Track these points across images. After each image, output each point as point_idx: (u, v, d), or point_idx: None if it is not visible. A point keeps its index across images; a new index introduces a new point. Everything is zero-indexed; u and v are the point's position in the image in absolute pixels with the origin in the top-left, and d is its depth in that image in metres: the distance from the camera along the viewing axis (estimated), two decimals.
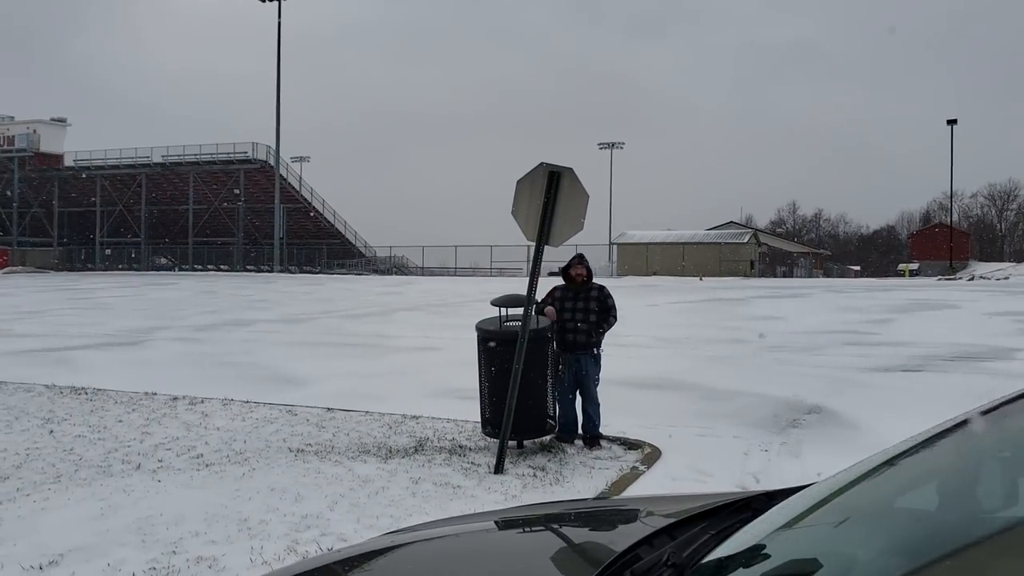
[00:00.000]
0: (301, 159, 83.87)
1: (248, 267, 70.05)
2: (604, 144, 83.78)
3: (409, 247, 78.20)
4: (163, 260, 79.01)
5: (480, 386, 7.34)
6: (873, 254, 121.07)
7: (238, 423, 8.36)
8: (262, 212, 72.85)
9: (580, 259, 7.71)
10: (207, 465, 6.71)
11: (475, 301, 28.53)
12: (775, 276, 67.42)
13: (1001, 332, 17.02)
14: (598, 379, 7.63)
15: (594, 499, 2.58)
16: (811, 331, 17.82)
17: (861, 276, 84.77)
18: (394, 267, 76.48)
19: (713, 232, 67.28)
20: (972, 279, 49.90)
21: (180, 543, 4.86)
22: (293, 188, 73.55)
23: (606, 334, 7.70)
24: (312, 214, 75.56)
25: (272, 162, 68.19)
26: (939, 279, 51.04)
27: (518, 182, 6.52)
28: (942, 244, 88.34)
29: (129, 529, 5.16)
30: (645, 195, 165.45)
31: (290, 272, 65.13)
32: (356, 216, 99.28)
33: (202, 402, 9.41)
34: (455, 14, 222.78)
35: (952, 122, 61.11)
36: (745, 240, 59.16)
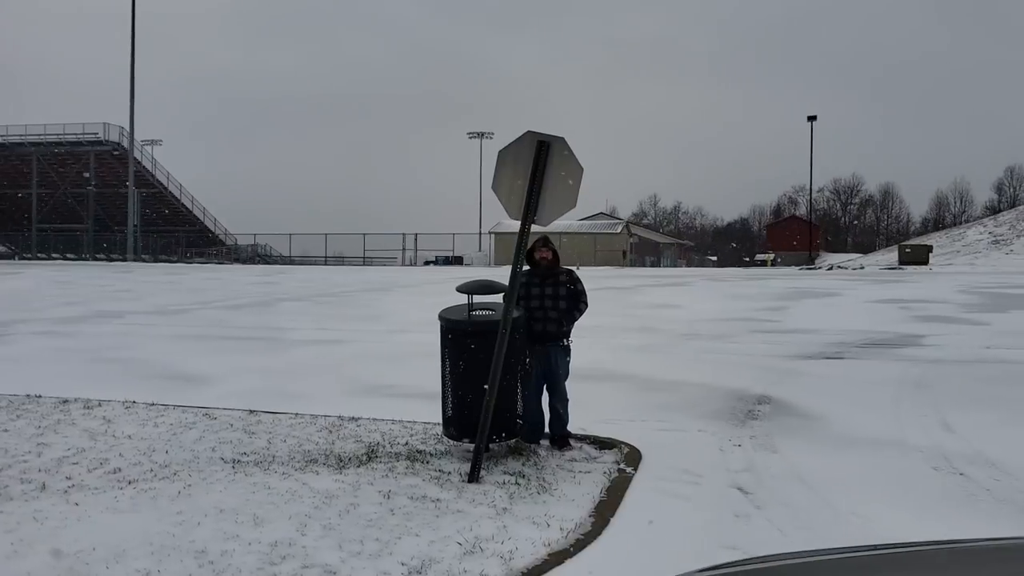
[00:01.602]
0: (152, 142, 79.16)
1: (98, 256, 65.50)
2: (473, 134, 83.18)
3: (275, 235, 75.17)
4: (1, 248, 72.92)
5: (443, 382, 6.56)
6: (729, 245, 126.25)
7: (151, 429, 7.24)
8: (114, 197, 68.39)
9: (545, 241, 7.00)
10: (129, 482, 5.66)
11: (361, 291, 27.40)
12: (644, 266, 68.91)
13: (895, 319, 17.50)
14: (568, 373, 7.00)
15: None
16: (714, 319, 17.81)
17: (719, 266, 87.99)
18: (257, 256, 73.42)
19: (587, 222, 67.97)
20: (831, 268, 52.33)
21: None
22: (148, 172, 69.40)
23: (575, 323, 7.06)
24: (169, 200, 71.57)
25: (126, 144, 63.98)
26: (801, 269, 53.29)
27: (500, 152, 5.79)
28: (795, 236, 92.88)
29: (55, 570, 4.15)
30: None
31: (144, 261, 61.28)
32: (215, 203, 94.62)
33: (99, 405, 8.18)
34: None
35: (812, 118, 63.86)
36: (618, 231, 60.14)
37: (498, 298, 6.79)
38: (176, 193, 72.09)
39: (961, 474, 6.31)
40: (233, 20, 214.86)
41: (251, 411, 8.06)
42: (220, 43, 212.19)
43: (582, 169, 5.69)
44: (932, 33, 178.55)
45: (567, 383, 7.00)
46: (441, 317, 6.51)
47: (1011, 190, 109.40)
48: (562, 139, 5.66)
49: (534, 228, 7.37)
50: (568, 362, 6.99)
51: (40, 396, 8.58)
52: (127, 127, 62.17)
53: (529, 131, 5.69)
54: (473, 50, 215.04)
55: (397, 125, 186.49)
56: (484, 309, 6.53)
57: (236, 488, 5.56)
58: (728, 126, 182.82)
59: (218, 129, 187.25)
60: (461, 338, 6.34)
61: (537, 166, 5.63)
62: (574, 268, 8.78)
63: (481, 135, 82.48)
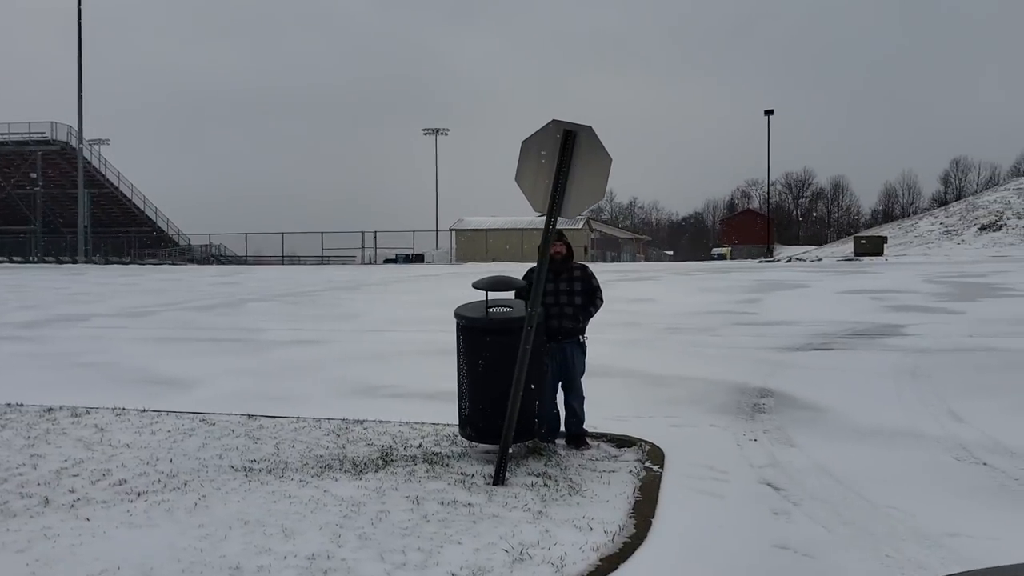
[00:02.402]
0: (101, 141, 77.25)
1: (47, 258, 63.67)
2: (429, 130, 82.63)
3: (230, 235, 73.89)
4: None
5: (459, 382, 6.33)
6: (684, 239, 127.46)
7: (148, 437, 6.90)
8: (63, 198, 66.60)
9: (559, 235, 6.79)
10: (139, 494, 5.35)
11: (327, 291, 26.95)
12: (606, 260, 69.07)
13: (870, 309, 17.64)
14: (584, 370, 6.82)
15: None
16: (692, 312, 17.81)
17: (675, 259, 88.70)
18: (211, 256, 72.10)
19: None
20: (790, 260, 52.98)
21: None
22: (98, 172, 67.70)
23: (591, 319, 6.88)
24: (120, 200, 69.91)
25: (74, 143, 62.28)
26: (760, 261, 53.84)
27: (524, 143, 5.57)
28: (750, 229, 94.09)
29: None
30: (478, 181, 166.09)
31: (95, 263, 59.71)
32: (167, 203, 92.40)
33: (87, 412, 7.80)
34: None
35: (769, 112, 64.54)
36: (580, 226, 60.11)
37: (509, 294, 6.61)
38: (127, 193, 70.45)
39: (985, 464, 6.27)
40: (177, 14, 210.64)
41: (250, 416, 7.74)
42: (164, 38, 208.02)
43: (611, 159, 5.51)
44: (878, 29, 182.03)
45: (582, 380, 6.83)
46: (458, 315, 6.28)
47: (957, 181, 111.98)
48: (589, 128, 5.47)
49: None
50: (584, 359, 6.81)
51: (22, 404, 8.16)
52: (75, 126, 60.58)
53: (554, 120, 5.48)
54: (426, 45, 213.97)
55: (350, 122, 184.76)
56: (500, 306, 6.32)
57: (254, 497, 5.28)
58: (681, 121, 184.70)
59: (166, 128, 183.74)
60: (479, 336, 6.12)
61: (563, 156, 5.43)
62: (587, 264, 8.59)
63: (436, 131, 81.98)
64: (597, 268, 44.94)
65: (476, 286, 6.32)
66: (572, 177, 5.48)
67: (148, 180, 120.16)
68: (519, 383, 5.64)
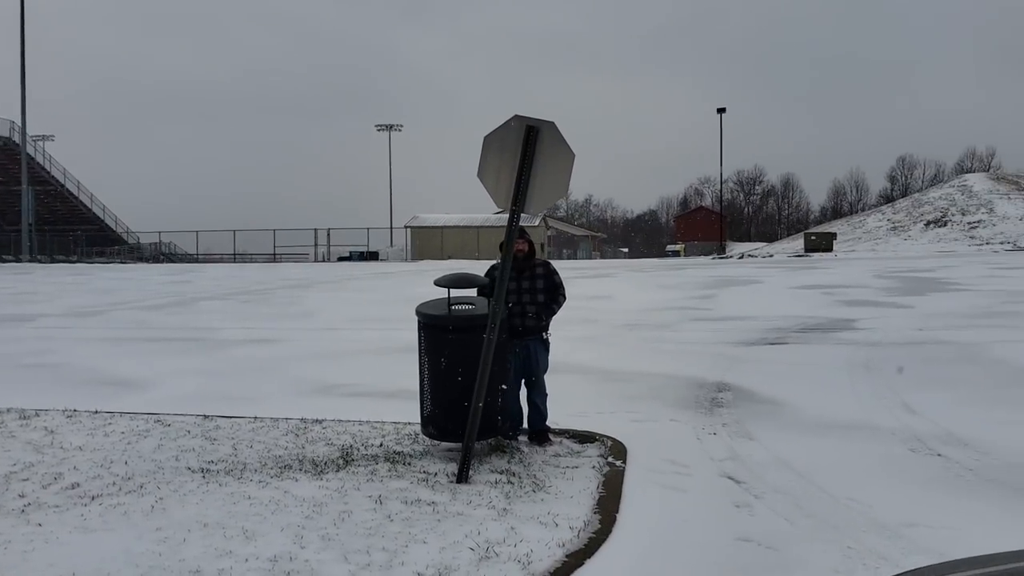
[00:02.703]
0: (44, 137, 75.33)
1: None
2: (382, 126, 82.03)
3: (181, 232, 72.64)
4: None
5: (421, 380, 6.28)
6: (639, 236, 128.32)
7: (101, 439, 6.73)
8: (5, 195, 64.76)
9: (521, 232, 6.76)
10: (93, 498, 5.21)
11: (281, 289, 26.64)
12: (562, 258, 69.27)
13: (822, 304, 17.92)
14: (547, 366, 6.81)
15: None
16: (649, 309, 17.92)
17: (630, 256, 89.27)
18: (162, 254, 70.79)
19: (505, 216, 67.25)
20: (742, 257, 53.63)
21: None
22: (43, 169, 66.04)
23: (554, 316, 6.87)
24: (65, 197, 68.29)
25: (17, 139, 60.65)
26: (713, 258, 54.45)
27: (486, 139, 5.54)
28: (703, 226, 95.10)
29: None
30: (432, 177, 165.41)
31: (40, 262, 58.23)
32: (115, 201, 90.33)
33: (36, 415, 7.58)
34: None
35: (721, 110, 65.28)
36: (536, 223, 60.11)
37: (472, 291, 6.58)
38: (73, 190, 68.83)
39: (939, 455, 6.39)
40: (124, 7, 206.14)
41: (206, 416, 7.59)
42: (110, 32, 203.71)
43: (573, 154, 5.50)
44: (826, 30, 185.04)
45: (545, 377, 6.82)
46: (419, 312, 6.22)
47: (903, 178, 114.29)
48: (552, 123, 5.45)
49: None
50: (547, 356, 6.80)
51: None
52: (18, 121, 58.95)
53: (516, 115, 5.46)
54: (377, 41, 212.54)
55: (302, 119, 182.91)
56: (463, 303, 6.28)
57: (213, 499, 5.18)
58: (635, 120, 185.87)
59: (112, 124, 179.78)
60: (441, 334, 6.07)
61: (526, 152, 5.41)
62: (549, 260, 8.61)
63: (390, 127, 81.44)
64: (560, 265, 45.08)
65: (438, 283, 6.27)
66: (535, 173, 5.46)
67: (95, 178, 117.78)
68: (483, 381, 5.61)
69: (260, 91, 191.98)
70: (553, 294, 6.75)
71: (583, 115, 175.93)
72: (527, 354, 6.65)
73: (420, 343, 6.23)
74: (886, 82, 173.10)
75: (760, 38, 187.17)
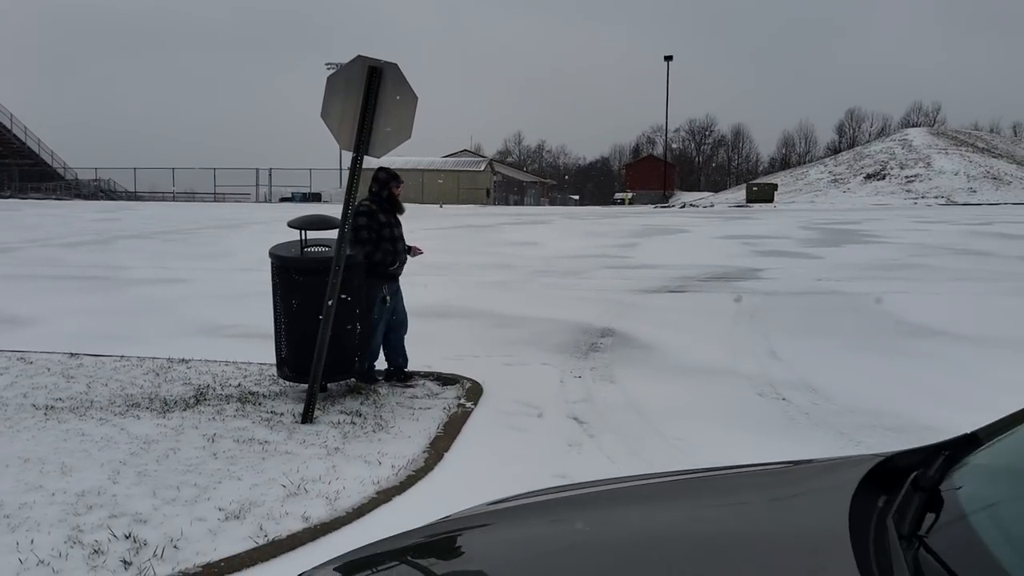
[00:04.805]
0: None
1: None
2: (332, 64, 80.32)
3: (119, 170, 70.89)
4: None
5: (276, 322, 6.31)
6: (590, 184, 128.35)
7: None
8: None
9: (397, 178, 6.88)
10: None
11: (210, 228, 26.27)
12: (508, 204, 69.16)
13: (737, 254, 18.23)
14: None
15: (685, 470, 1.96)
16: (569, 256, 18.06)
17: (581, 204, 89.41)
18: (100, 191, 69.11)
19: (451, 160, 67.29)
20: (684, 206, 54.08)
21: None
22: None
23: None
24: None
25: None
26: (655, 207, 54.79)
27: (329, 79, 5.51)
28: (652, 175, 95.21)
29: None
30: None
31: None
32: (53, 136, 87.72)
33: None
34: None
35: (668, 58, 65.11)
36: (482, 168, 59.93)
37: (332, 233, 6.59)
38: (6, 123, 66.60)
39: (783, 399, 6.62)
40: None
41: (72, 354, 7.56)
42: None
43: (416, 98, 5.49)
44: None
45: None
46: (272, 254, 6.23)
47: (851, 131, 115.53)
48: (395, 65, 5.43)
49: (377, 162, 7.18)
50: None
51: None
52: None
53: (360, 55, 5.43)
54: None
55: (248, 56, 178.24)
56: (320, 246, 6.29)
57: (46, 436, 5.19)
58: (590, 66, 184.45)
59: (49, 57, 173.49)
60: (293, 276, 6.08)
61: (369, 93, 5.39)
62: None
63: (340, 66, 79.90)
64: (495, 211, 45.05)
65: (292, 225, 6.26)
66: (379, 114, 5.45)
67: (30, 111, 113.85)
68: (327, 323, 5.64)
69: (205, 26, 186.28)
70: None
71: (539, 58, 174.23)
72: (399, 296, 6.75)
73: (274, 285, 6.24)
74: (838, 35, 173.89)
75: None
